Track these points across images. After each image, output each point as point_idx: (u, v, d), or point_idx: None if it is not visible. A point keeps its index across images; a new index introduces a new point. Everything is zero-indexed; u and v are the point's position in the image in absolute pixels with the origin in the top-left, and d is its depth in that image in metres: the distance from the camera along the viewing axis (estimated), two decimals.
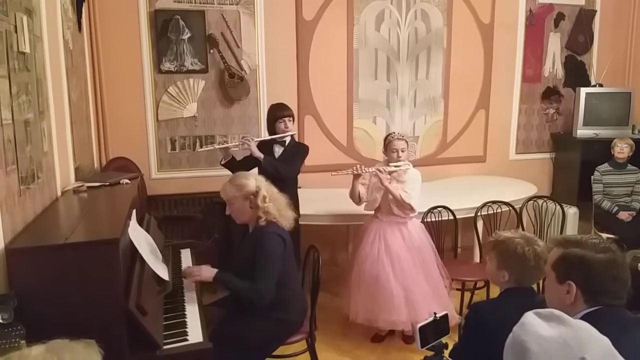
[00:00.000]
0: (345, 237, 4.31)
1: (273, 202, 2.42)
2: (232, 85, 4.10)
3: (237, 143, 3.34)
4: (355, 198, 3.25)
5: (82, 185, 2.49)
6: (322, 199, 3.85)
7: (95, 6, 3.67)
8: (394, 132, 3.36)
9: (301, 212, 3.29)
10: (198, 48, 4.02)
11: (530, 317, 1.14)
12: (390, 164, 3.17)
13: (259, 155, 3.19)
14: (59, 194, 2.37)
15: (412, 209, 3.17)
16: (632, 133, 4.68)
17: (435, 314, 1.70)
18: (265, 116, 3.41)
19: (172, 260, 2.68)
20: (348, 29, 4.36)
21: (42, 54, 2.25)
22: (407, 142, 3.25)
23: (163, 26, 3.92)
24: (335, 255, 4.45)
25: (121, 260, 1.64)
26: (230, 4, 4.06)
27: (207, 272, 2.33)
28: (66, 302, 1.56)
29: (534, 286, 1.89)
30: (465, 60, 4.71)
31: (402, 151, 3.17)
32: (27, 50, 1.95)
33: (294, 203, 3.18)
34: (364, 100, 4.51)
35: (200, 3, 3.98)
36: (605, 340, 1.12)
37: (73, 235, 1.66)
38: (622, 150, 4.23)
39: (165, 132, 4.09)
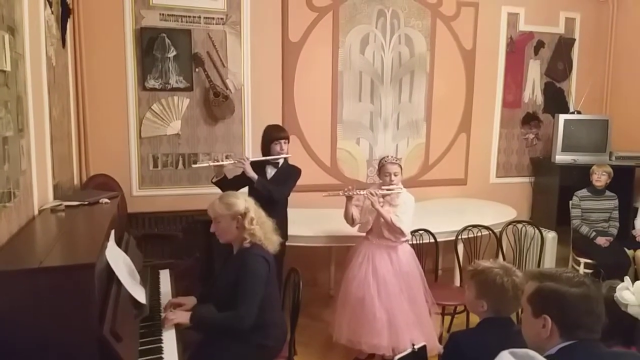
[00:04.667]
0: (327, 258, 4.31)
1: (260, 226, 2.40)
2: (217, 104, 4.10)
3: (232, 161, 3.31)
4: (349, 219, 3.26)
5: (61, 204, 2.45)
6: (304, 219, 3.84)
7: (80, 22, 3.66)
8: (388, 156, 3.34)
9: None
10: (183, 66, 4.03)
11: (504, 357, 1.15)
12: (383, 187, 3.19)
13: (253, 175, 3.18)
14: (36, 212, 2.32)
15: (402, 233, 3.18)
16: (610, 160, 4.78)
17: (413, 345, 1.69)
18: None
19: (151, 282, 2.63)
20: (333, 52, 4.41)
21: (23, 71, 2.22)
22: (400, 166, 3.25)
23: (149, 44, 3.92)
24: (317, 276, 4.43)
25: (96, 285, 1.60)
26: (216, 24, 4.08)
27: (183, 315, 2.25)
28: (38, 328, 1.51)
29: (513, 316, 1.90)
30: (448, 84, 4.80)
31: (395, 175, 3.19)
32: (8, 68, 1.92)
33: (283, 225, 3.18)
34: (348, 121, 4.55)
35: (186, 22, 4.00)
36: None
37: (48, 258, 1.62)
38: (599, 178, 4.30)
39: (148, 149, 4.06)
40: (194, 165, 3.75)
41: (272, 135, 3.31)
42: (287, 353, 2.51)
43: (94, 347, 1.57)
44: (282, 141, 3.30)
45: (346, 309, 3.19)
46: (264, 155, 3.34)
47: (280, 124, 3.94)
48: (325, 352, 3.42)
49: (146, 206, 4.03)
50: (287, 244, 3.24)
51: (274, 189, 3.19)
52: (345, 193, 3.17)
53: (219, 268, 2.79)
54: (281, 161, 3.34)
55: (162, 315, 2.25)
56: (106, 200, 2.60)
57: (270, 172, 3.33)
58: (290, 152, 3.39)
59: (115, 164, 3.89)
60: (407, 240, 3.33)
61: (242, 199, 2.43)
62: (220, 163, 3.27)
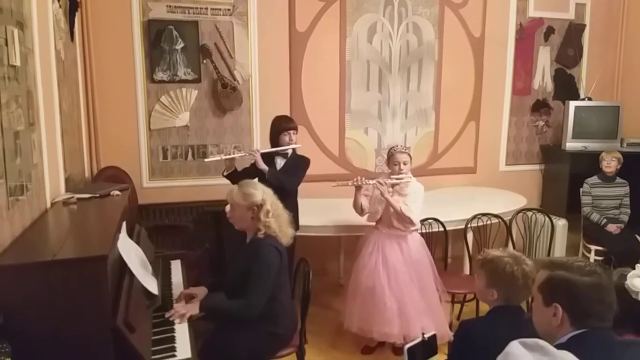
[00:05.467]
0: (336, 247, 4.32)
1: (275, 218, 2.42)
2: (225, 95, 4.10)
3: (243, 154, 3.33)
4: (358, 209, 3.27)
5: (72, 197, 2.47)
6: (314, 209, 3.85)
7: (88, 16, 3.67)
8: (397, 145, 3.31)
9: None
10: (191, 58, 4.03)
11: (514, 347, 1.15)
12: (392, 177, 3.19)
13: (264, 167, 3.19)
14: (49, 205, 2.35)
15: (412, 223, 3.18)
16: (621, 146, 4.73)
17: (423, 334, 1.70)
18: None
19: (162, 273, 2.66)
20: (341, 41, 4.39)
21: (33, 65, 2.24)
22: (409, 155, 3.24)
23: (156, 36, 3.92)
24: (326, 266, 4.45)
25: (109, 277, 1.63)
26: (223, 15, 4.07)
27: (193, 307, 2.25)
28: (53, 319, 1.54)
29: (523, 304, 1.90)
30: (456, 72, 4.75)
31: (404, 164, 3.18)
32: (18, 63, 1.94)
33: (295, 215, 3.19)
34: (356, 111, 4.53)
35: (193, 13, 3.99)
36: None
37: (61, 251, 1.64)
38: (609, 164, 4.27)
39: (157, 141, 4.09)
40: (205, 160, 3.75)
41: (281, 126, 3.32)
42: (297, 341, 2.54)
43: (108, 337, 1.60)
44: (291, 132, 3.31)
45: (357, 298, 3.21)
46: (272, 146, 3.34)
47: (288, 114, 3.94)
48: (336, 340, 3.45)
49: (156, 198, 4.06)
50: (297, 233, 3.25)
51: (286, 179, 3.20)
52: (354, 183, 3.17)
53: (231, 257, 2.81)
54: (290, 152, 3.34)
55: (173, 311, 2.21)
56: (117, 192, 2.62)
57: (280, 162, 3.34)
58: (298, 142, 3.39)
59: (125, 156, 3.92)
60: (417, 229, 3.33)
61: (261, 190, 2.43)
62: (232, 156, 3.27)
